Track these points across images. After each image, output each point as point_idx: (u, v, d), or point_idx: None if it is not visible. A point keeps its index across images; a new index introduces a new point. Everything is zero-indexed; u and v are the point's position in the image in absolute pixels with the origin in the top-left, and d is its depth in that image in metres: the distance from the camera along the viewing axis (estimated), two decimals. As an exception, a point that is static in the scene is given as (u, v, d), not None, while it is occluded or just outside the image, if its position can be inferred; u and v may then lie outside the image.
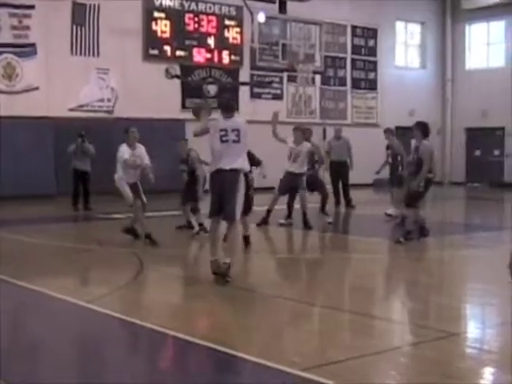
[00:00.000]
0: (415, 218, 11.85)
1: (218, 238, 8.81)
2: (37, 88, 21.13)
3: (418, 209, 12.01)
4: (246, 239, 11.36)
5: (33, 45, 21.07)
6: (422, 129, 11.89)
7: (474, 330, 6.86)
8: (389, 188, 16.17)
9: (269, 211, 14.14)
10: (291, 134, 14.25)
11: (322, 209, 15.11)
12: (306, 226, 13.96)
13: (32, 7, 20.84)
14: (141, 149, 11.85)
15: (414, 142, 12.04)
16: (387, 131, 16.21)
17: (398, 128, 28.35)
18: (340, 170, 18.07)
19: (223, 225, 8.96)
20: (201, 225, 12.95)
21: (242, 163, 8.64)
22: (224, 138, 8.53)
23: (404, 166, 12.86)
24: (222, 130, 8.55)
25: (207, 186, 12.25)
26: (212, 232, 8.83)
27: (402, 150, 15.31)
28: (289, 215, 14.52)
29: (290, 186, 14.11)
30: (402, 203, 14.19)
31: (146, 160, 11.85)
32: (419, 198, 11.88)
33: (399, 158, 15.28)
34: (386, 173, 16.72)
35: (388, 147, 15.93)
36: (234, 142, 8.54)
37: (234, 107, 8.98)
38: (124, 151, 11.67)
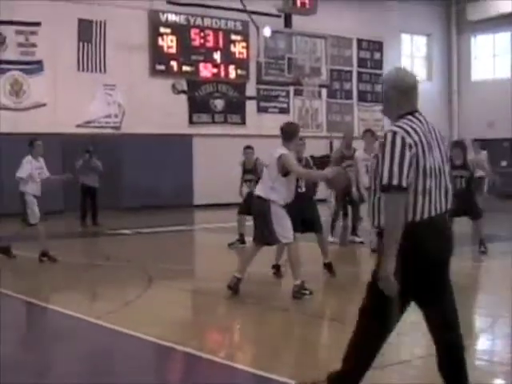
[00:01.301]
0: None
1: (251, 260, 8.65)
2: (44, 104, 21.23)
3: None
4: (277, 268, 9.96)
5: (39, 61, 21.19)
6: (462, 146, 12.11)
7: (484, 341, 6.82)
8: None
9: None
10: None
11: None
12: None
13: (38, 24, 20.98)
14: (42, 161, 11.95)
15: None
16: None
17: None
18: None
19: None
20: (241, 235, 12.89)
21: (262, 191, 8.35)
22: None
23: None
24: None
25: None
26: (250, 252, 8.75)
27: None
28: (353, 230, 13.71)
29: None
30: None
31: (46, 172, 11.96)
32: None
33: None
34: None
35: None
36: (266, 167, 8.59)
37: (286, 135, 8.42)
38: (29, 163, 11.73)
